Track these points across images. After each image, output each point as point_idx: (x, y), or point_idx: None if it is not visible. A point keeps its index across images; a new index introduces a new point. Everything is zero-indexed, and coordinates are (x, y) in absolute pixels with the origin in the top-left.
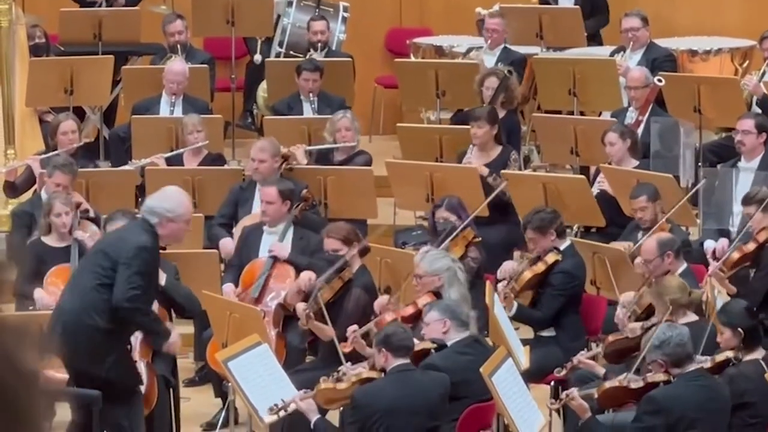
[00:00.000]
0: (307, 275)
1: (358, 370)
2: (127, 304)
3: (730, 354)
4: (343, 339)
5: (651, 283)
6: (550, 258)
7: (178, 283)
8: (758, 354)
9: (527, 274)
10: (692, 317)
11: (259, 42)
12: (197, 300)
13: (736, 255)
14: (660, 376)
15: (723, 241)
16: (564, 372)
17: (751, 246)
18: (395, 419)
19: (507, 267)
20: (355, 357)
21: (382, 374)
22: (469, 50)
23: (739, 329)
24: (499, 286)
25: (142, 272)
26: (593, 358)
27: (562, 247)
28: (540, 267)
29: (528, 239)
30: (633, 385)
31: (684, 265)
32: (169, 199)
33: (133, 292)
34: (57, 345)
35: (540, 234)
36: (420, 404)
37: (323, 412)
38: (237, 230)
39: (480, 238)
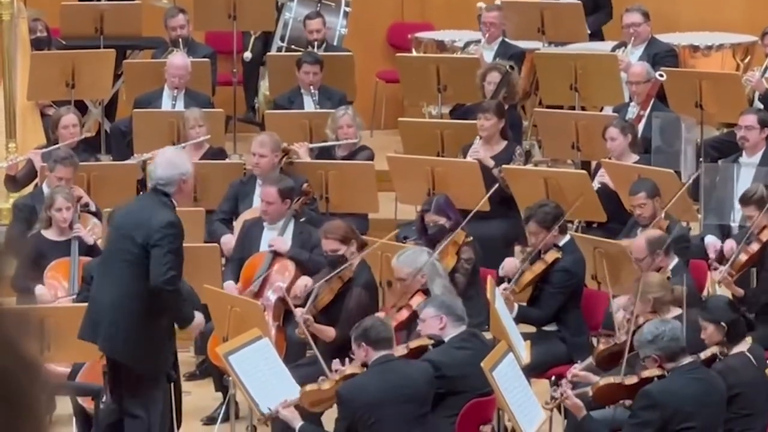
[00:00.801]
0: (303, 281)
1: (343, 368)
2: (168, 287)
3: (715, 350)
4: (345, 339)
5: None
6: (550, 256)
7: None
8: (743, 346)
9: (527, 276)
10: (676, 311)
11: (252, 38)
12: (197, 297)
13: (743, 257)
14: (654, 371)
15: (730, 242)
16: (559, 391)
17: (755, 246)
18: (383, 410)
19: (509, 266)
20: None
21: (365, 368)
22: (467, 44)
23: (722, 323)
24: (500, 287)
25: (174, 250)
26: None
27: (561, 243)
28: (540, 266)
29: (529, 233)
30: (627, 381)
31: (675, 260)
32: (176, 163)
33: (171, 273)
34: (100, 337)
35: (543, 228)
36: (406, 393)
37: (320, 414)
38: (237, 224)
39: (471, 238)
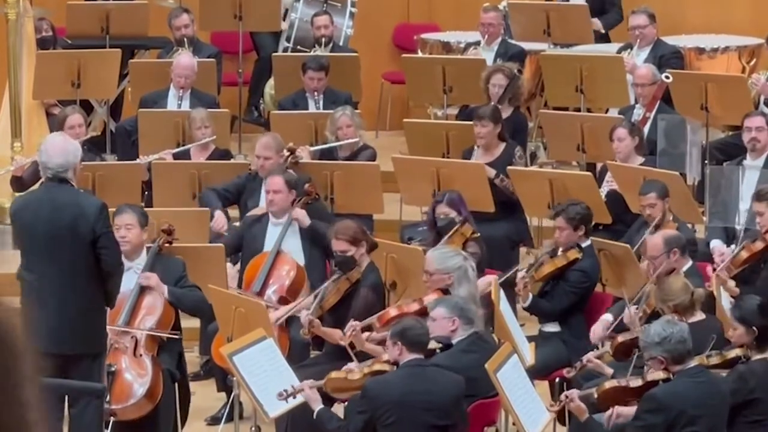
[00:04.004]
0: (308, 300)
1: (370, 362)
2: (121, 267)
3: (739, 351)
4: None
5: (656, 281)
6: (572, 254)
7: (183, 292)
8: (767, 353)
9: (547, 267)
10: (700, 316)
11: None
12: (205, 303)
13: (744, 254)
14: (659, 374)
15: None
16: (573, 373)
17: (759, 245)
18: (405, 412)
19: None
20: (362, 355)
21: (395, 367)
22: (467, 47)
23: (754, 328)
24: (519, 274)
25: (112, 230)
26: (600, 357)
27: (583, 245)
28: (561, 261)
29: (556, 227)
30: (632, 384)
31: (689, 263)
32: (70, 149)
33: (120, 256)
34: (67, 344)
35: (570, 226)
36: (432, 401)
37: (330, 402)
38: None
39: (478, 234)
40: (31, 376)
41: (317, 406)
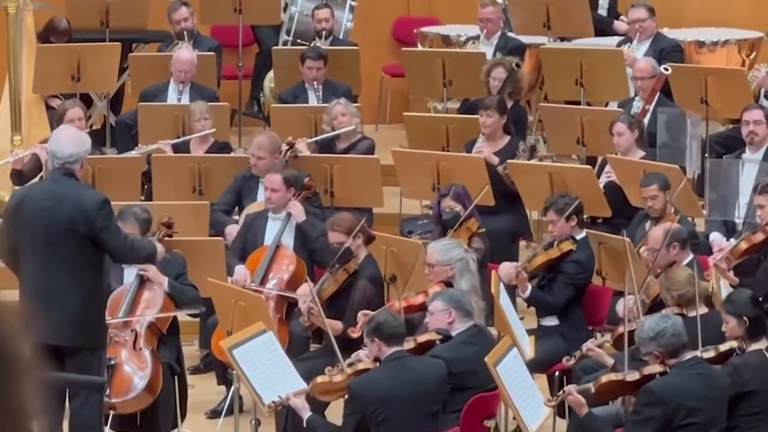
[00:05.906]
0: (304, 289)
1: (355, 360)
2: (138, 261)
3: (734, 344)
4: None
5: (657, 273)
6: (566, 246)
7: (182, 288)
8: (762, 344)
9: (540, 258)
10: (703, 309)
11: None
12: (200, 303)
13: (743, 245)
14: (656, 368)
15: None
16: (573, 361)
17: (759, 236)
18: (394, 407)
19: (506, 270)
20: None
21: (377, 364)
22: (467, 41)
23: (744, 318)
24: (513, 264)
25: (116, 223)
26: (600, 347)
27: (578, 237)
28: (554, 252)
29: (548, 220)
30: (630, 378)
31: (690, 257)
32: (82, 140)
33: (131, 244)
34: (64, 336)
35: (561, 217)
36: (418, 390)
37: (324, 407)
38: (241, 219)
39: (483, 229)
40: (31, 382)
41: (306, 414)
